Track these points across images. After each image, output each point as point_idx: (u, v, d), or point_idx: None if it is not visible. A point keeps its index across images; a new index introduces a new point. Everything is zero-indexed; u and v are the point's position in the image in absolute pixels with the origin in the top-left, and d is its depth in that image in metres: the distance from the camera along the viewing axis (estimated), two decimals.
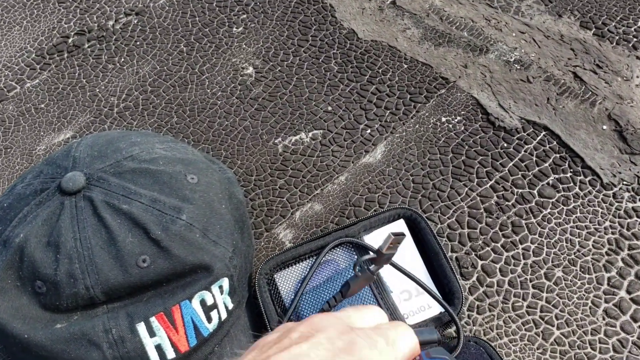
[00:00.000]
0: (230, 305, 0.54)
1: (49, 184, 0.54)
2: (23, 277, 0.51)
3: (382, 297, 0.57)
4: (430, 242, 0.60)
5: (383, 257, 0.47)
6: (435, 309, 0.57)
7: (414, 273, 0.58)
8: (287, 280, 0.59)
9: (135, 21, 0.91)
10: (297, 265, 0.60)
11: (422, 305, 0.57)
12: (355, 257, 0.60)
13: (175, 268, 0.50)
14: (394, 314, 0.56)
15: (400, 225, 0.61)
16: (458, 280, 0.57)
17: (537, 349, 0.56)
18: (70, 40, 0.90)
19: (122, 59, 0.86)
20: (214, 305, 0.52)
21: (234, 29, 0.87)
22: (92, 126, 0.79)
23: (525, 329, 0.57)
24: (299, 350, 0.27)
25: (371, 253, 0.55)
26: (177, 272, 0.50)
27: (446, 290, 0.58)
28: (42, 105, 0.82)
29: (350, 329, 0.29)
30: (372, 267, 0.49)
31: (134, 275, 0.50)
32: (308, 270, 0.59)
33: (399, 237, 0.45)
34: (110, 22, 0.91)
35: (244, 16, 0.89)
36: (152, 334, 0.50)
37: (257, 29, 0.87)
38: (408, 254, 0.60)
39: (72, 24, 0.92)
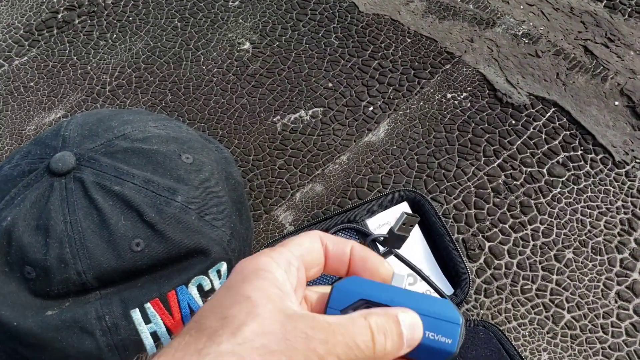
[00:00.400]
0: None
1: (37, 164, 0.52)
2: (11, 263, 0.49)
3: None
4: (435, 224, 0.58)
5: (394, 238, 0.45)
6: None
7: (419, 256, 0.56)
8: None
9: None
10: None
11: (428, 289, 0.55)
12: (358, 241, 0.57)
13: (170, 252, 0.48)
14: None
15: (404, 208, 0.59)
16: (465, 262, 0.55)
17: (547, 333, 0.54)
18: (59, 16, 0.87)
19: (114, 35, 0.83)
20: (212, 291, 0.50)
21: (230, 3, 0.84)
22: (84, 105, 0.76)
23: (535, 313, 0.55)
24: None
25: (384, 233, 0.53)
26: (172, 256, 0.48)
27: (452, 274, 0.56)
28: (32, 84, 0.79)
29: None
30: (381, 249, 0.47)
31: (127, 259, 0.47)
32: None
33: (412, 218, 0.43)
34: None
35: None
36: (147, 320, 0.48)
37: (254, 3, 0.83)
38: (413, 237, 0.58)
39: None
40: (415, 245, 0.58)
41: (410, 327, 0.29)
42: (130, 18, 0.85)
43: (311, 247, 0.33)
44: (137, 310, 0.48)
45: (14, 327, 0.47)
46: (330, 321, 0.28)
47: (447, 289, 0.56)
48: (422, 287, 0.55)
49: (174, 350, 0.27)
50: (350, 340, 0.28)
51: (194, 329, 0.28)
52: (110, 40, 0.83)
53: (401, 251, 0.55)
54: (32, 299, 0.49)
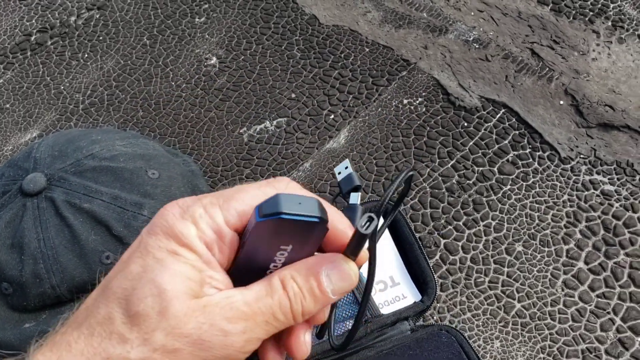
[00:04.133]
0: None
1: (10, 186, 0.55)
2: None
3: (358, 290, 0.58)
4: (404, 233, 0.60)
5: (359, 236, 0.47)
6: (410, 298, 0.58)
7: (391, 263, 0.60)
8: None
9: (97, 16, 0.90)
10: None
11: (397, 296, 0.58)
12: None
13: None
14: (369, 304, 0.57)
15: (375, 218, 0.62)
16: (432, 270, 0.58)
17: (499, 322, 0.58)
18: (32, 38, 0.90)
19: (86, 55, 0.86)
20: None
21: (197, 19, 0.87)
22: (58, 124, 0.79)
23: (488, 304, 0.59)
24: None
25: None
26: None
27: (420, 280, 0.59)
28: (7, 105, 0.82)
29: None
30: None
31: (98, 272, 0.50)
32: None
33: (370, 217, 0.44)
34: (73, 18, 0.91)
35: (206, 6, 0.89)
36: None
37: (219, 19, 0.87)
38: (385, 245, 0.61)
39: (34, 21, 0.92)
40: (388, 253, 0.61)
41: (338, 280, 0.29)
42: (101, 37, 0.88)
43: (257, 199, 0.29)
44: None
45: None
46: (249, 302, 0.27)
47: (415, 295, 0.59)
48: (392, 292, 0.58)
49: (82, 345, 0.26)
50: (269, 317, 0.28)
51: (101, 316, 0.27)
52: (82, 60, 0.86)
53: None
54: (11, 313, 0.52)
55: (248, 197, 0.30)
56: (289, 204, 0.27)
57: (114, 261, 0.50)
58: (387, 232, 0.61)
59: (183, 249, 0.28)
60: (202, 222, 0.28)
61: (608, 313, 0.57)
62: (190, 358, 0.26)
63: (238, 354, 0.27)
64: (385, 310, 0.57)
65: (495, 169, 0.67)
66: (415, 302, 0.57)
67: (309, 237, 0.29)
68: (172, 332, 0.26)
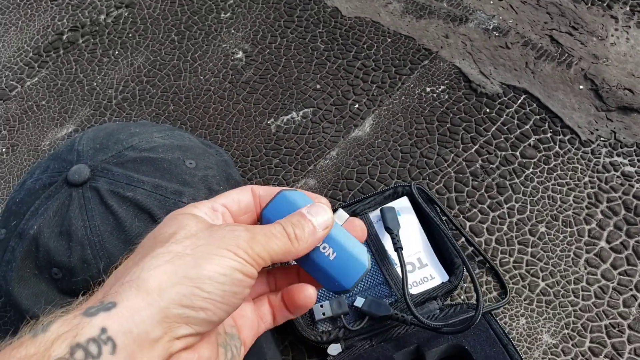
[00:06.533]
0: None
1: (56, 177, 0.57)
2: (40, 266, 0.55)
3: (387, 269, 0.61)
4: (431, 216, 0.62)
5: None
6: (437, 279, 0.60)
7: (418, 245, 0.62)
8: None
9: (126, 13, 0.93)
10: None
11: (425, 277, 0.61)
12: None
13: None
14: (397, 285, 0.59)
15: (403, 202, 0.64)
16: (458, 252, 0.60)
17: (524, 300, 0.60)
18: (64, 37, 0.93)
19: (117, 52, 0.89)
20: None
21: (222, 15, 0.90)
22: (93, 119, 0.82)
23: (513, 283, 0.61)
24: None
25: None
26: None
27: (448, 262, 0.61)
28: (44, 102, 0.86)
29: None
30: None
31: None
32: None
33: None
34: (102, 16, 0.94)
35: (231, 1, 0.91)
36: None
37: (244, 14, 0.89)
38: (412, 229, 0.63)
39: (65, 20, 0.95)
40: (415, 236, 0.63)
41: (316, 213, 0.37)
42: (130, 35, 0.91)
43: (238, 197, 0.39)
44: None
45: None
46: (249, 228, 0.35)
47: (443, 275, 0.61)
48: (420, 273, 0.61)
49: (116, 271, 0.34)
50: (267, 231, 0.35)
51: (130, 253, 0.35)
52: (112, 57, 0.89)
53: (403, 240, 0.61)
54: (61, 296, 0.55)
55: (230, 195, 0.39)
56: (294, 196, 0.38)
57: None
58: (414, 215, 0.64)
59: (185, 212, 0.36)
60: (196, 203, 0.38)
61: (630, 290, 0.59)
62: (204, 247, 0.33)
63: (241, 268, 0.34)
64: (414, 290, 0.59)
65: (518, 153, 0.69)
66: (442, 282, 0.60)
67: None
68: (189, 234, 0.34)
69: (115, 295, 0.31)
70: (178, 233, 0.34)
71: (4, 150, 0.82)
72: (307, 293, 0.39)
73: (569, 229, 0.64)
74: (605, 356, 0.56)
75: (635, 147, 0.67)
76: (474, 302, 0.60)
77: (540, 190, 0.66)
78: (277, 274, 0.43)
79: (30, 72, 0.90)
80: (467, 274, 0.58)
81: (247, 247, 0.33)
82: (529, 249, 0.63)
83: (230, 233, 0.34)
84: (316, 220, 0.37)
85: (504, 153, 0.69)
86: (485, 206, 0.66)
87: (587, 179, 0.66)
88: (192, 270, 0.32)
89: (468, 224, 0.65)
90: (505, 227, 0.64)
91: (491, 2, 0.82)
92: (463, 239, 0.64)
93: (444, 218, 0.63)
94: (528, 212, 0.65)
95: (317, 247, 0.37)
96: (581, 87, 0.72)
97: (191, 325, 0.32)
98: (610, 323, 0.58)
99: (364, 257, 0.37)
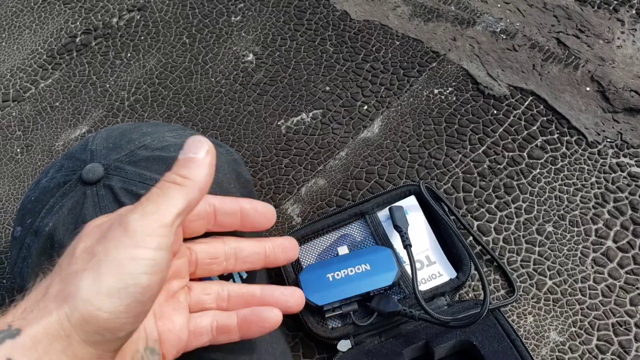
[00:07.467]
0: (244, 275, 0.59)
1: (70, 176, 0.59)
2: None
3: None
4: (438, 214, 0.63)
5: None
6: (445, 276, 0.61)
7: (426, 242, 0.63)
8: (307, 254, 0.64)
9: (138, 17, 0.95)
10: (316, 240, 0.65)
11: (434, 274, 0.61)
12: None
13: None
14: (405, 282, 0.60)
15: (411, 201, 0.65)
16: (466, 248, 0.60)
17: (532, 298, 0.61)
18: (77, 40, 0.94)
19: (129, 54, 0.91)
20: (229, 276, 0.57)
21: (233, 18, 0.91)
22: (106, 120, 0.84)
23: (520, 281, 0.62)
24: None
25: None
26: None
27: (455, 259, 0.62)
28: (57, 104, 0.87)
29: None
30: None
31: None
32: (329, 243, 0.64)
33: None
34: (114, 19, 0.96)
35: (241, 5, 0.93)
36: None
37: (254, 17, 0.91)
38: (420, 227, 0.64)
39: (78, 23, 0.96)
40: (423, 234, 0.64)
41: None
42: (142, 37, 0.92)
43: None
44: None
45: None
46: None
47: (451, 273, 0.62)
48: (428, 270, 0.61)
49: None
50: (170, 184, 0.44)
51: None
52: (125, 59, 0.90)
53: (411, 238, 0.62)
54: None
55: None
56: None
57: None
58: (422, 214, 0.65)
59: None
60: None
61: (637, 288, 0.60)
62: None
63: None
64: (423, 287, 0.60)
65: (525, 154, 0.70)
66: (450, 279, 0.60)
67: None
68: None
69: (22, 321, 0.32)
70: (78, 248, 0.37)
71: (18, 150, 0.83)
72: (273, 313, 0.42)
73: (575, 229, 0.64)
74: (612, 354, 0.57)
75: None
76: (482, 299, 0.61)
77: (547, 190, 0.67)
78: (231, 294, 0.46)
79: (44, 74, 0.91)
80: (475, 269, 0.59)
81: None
82: (537, 248, 0.64)
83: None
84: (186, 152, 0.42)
85: (511, 154, 0.70)
86: (492, 206, 0.67)
87: (593, 179, 0.67)
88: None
89: (476, 223, 0.66)
90: (512, 227, 0.65)
91: (498, 6, 0.83)
92: (471, 238, 0.65)
93: (452, 217, 0.64)
94: (535, 212, 0.66)
95: None
96: (588, 89, 0.73)
97: (97, 347, 0.33)
98: (617, 321, 0.58)
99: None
